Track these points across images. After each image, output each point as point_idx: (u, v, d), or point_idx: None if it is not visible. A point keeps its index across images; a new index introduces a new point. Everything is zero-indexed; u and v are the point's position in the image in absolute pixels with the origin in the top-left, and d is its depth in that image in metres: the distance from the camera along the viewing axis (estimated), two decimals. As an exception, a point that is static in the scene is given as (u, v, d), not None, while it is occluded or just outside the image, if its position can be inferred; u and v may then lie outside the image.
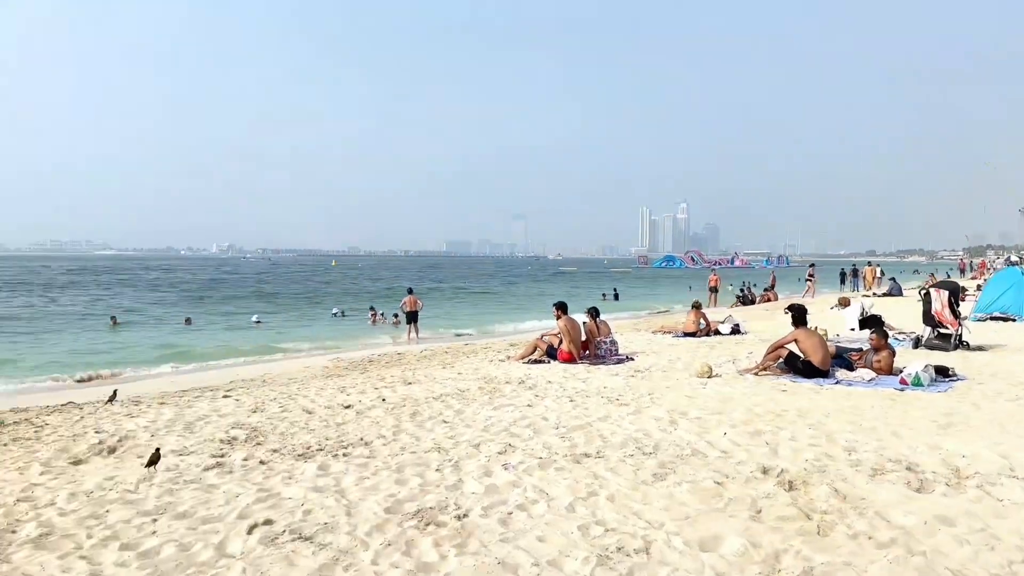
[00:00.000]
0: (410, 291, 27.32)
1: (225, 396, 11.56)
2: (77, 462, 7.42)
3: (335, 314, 34.79)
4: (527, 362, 14.08)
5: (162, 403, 11.27)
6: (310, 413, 9.58)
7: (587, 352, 14.09)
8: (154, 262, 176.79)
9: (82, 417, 10.15)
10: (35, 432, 9.06)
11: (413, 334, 25.94)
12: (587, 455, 7.05)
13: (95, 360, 19.74)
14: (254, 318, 32.71)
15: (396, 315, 29.85)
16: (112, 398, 11.72)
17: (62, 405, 11.60)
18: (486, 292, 61.81)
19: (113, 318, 31.58)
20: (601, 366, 13.44)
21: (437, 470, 6.68)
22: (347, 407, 9.91)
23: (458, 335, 27.46)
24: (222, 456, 7.40)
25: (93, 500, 6.03)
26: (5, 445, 8.28)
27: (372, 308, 33.32)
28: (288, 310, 39.68)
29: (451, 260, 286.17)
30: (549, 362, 13.93)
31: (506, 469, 6.61)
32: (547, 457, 7.00)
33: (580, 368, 13.22)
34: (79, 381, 16.86)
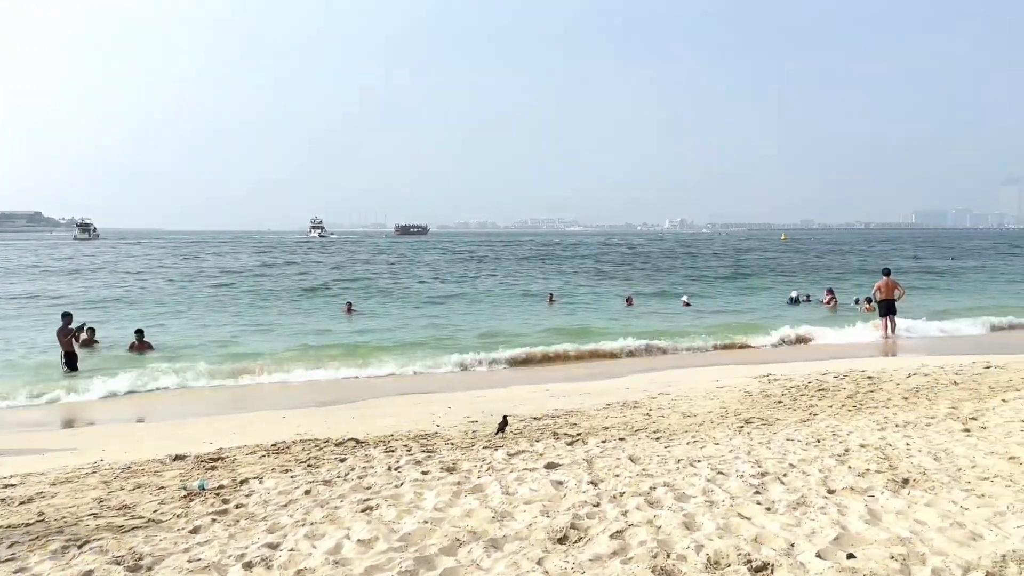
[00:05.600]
0: (886, 272, 19.91)
1: (569, 444, 6.52)
2: None
3: (793, 299, 27.75)
4: None
5: (538, 445, 6.74)
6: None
7: None
8: (618, 238, 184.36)
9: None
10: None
11: (889, 331, 18.57)
12: None
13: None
14: (684, 298, 28.00)
15: (869, 300, 22.37)
16: (502, 427, 8.43)
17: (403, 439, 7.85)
18: (980, 271, 47.72)
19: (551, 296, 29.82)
20: None
21: None
22: (754, 566, 4.05)
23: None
24: None
25: None
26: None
27: (829, 291, 26.34)
28: (722, 291, 34.11)
29: (924, 233, 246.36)
30: None
31: None
32: None
33: None
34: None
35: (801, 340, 18.47)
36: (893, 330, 19.27)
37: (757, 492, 5.45)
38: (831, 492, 5.44)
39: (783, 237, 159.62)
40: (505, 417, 8.74)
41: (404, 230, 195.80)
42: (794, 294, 28.48)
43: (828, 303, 25.40)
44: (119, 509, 5.76)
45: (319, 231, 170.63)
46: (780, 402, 9.88)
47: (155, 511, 5.69)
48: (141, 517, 5.53)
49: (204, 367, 14.27)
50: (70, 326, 14.98)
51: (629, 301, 28.12)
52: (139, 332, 17.02)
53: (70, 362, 14.63)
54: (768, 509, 5.09)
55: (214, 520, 5.32)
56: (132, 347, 16.64)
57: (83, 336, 15.73)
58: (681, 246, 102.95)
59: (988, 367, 11.82)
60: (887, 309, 19.57)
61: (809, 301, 27.33)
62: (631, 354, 16.60)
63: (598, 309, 26.81)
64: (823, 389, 10.59)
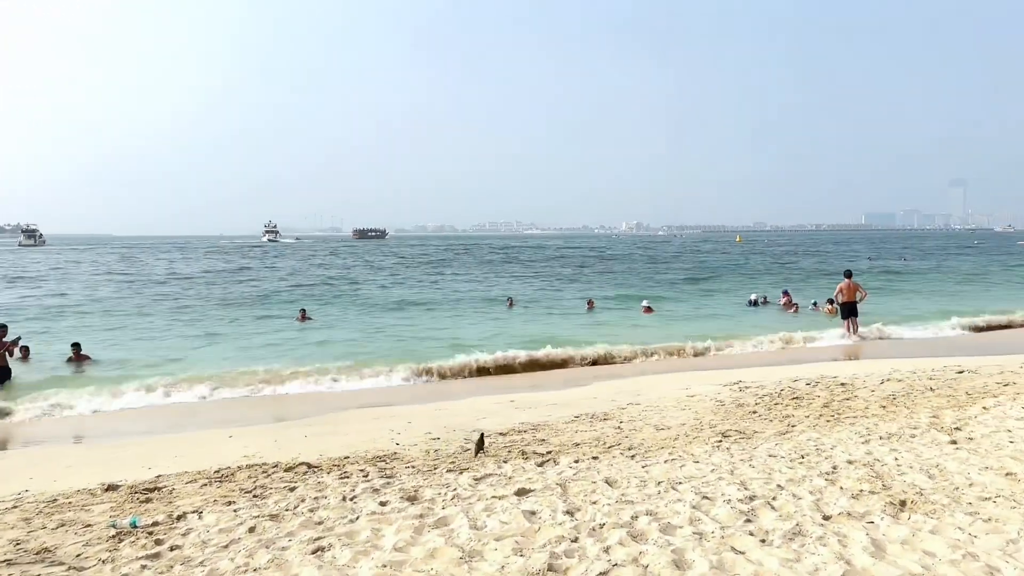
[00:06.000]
0: (848, 274, 19.84)
1: (534, 475, 6.01)
2: None
3: (753, 302, 27.62)
4: None
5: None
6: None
7: None
8: (576, 240, 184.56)
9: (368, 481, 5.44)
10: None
11: (851, 333, 18.54)
12: None
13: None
14: (644, 303, 27.48)
15: (830, 301, 22.36)
16: (480, 446, 7.82)
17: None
18: (935, 271, 48.52)
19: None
20: None
21: None
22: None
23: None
24: None
25: None
26: None
27: (785, 292, 26.27)
28: (681, 294, 33.96)
29: (875, 235, 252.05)
30: None
31: None
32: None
33: None
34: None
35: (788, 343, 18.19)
36: (855, 332, 19.23)
37: (748, 520, 5.02)
38: (827, 518, 5.03)
39: (738, 239, 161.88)
40: (482, 435, 8.21)
41: (362, 234, 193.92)
42: (753, 296, 28.37)
43: (785, 305, 25.36)
44: (37, 554, 5.10)
45: (273, 235, 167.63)
46: (755, 412, 9.51)
47: (78, 555, 5.04)
48: (62, 564, 4.88)
49: (148, 381, 13.46)
50: (4, 338, 14.03)
51: (590, 304, 27.74)
52: (76, 345, 16.06)
53: (1, 376, 13.69)
54: (763, 541, 4.65)
55: (144, 567, 4.70)
56: (69, 360, 15.69)
57: (17, 353, 14.76)
58: (640, 249, 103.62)
59: (961, 371, 11.66)
60: (849, 311, 19.54)
61: (767, 303, 27.30)
62: (595, 362, 16.18)
63: (559, 313, 26.37)
64: (797, 397, 10.27)
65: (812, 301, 25.75)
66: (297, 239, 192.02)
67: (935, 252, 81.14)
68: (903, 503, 5.28)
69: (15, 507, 6.36)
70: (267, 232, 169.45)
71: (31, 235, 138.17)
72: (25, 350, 15.88)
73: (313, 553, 4.73)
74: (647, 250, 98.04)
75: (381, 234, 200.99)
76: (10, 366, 13.97)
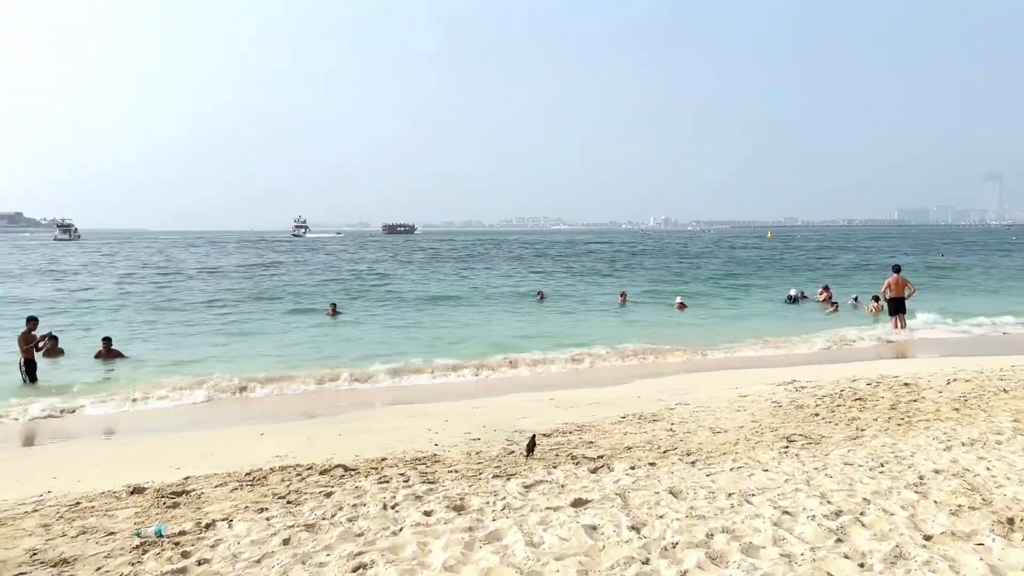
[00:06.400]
0: (897, 269, 19.06)
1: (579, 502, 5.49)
2: None
3: (792, 298, 26.76)
4: None
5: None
6: None
7: None
8: (605, 235, 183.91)
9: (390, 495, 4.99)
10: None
11: (901, 329, 17.79)
12: None
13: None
14: (678, 299, 26.74)
15: (876, 298, 21.55)
16: (531, 448, 7.36)
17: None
18: (978, 266, 46.99)
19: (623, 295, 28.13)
20: None
21: None
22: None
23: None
24: None
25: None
26: None
27: (825, 288, 25.47)
28: (717, 290, 33.14)
29: (910, 230, 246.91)
30: None
31: None
32: None
33: None
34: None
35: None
36: (904, 328, 18.44)
37: (839, 540, 4.46)
38: (928, 539, 4.45)
39: (769, 235, 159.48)
40: (534, 437, 7.70)
41: (391, 229, 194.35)
42: (793, 292, 27.49)
43: (824, 301, 24.48)
44: (54, 566, 4.70)
45: (302, 230, 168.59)
46: (817, 414, 8.89)
47: (98, 568, 4.63)
48: (80, 579, 4.47)
49: (179, 377, 13.17)
50: (34, 332, 13.83)
51: (623, 298, 27.20)
52: (107, 340, 15.81)
53: (30, 371, 13.47)
54: (861, 565, 4.10)
55: (169, 584, 4.27)
56: (99, 355, 15.46)
57: (44, 345, 14.50)
58: (670, 244, 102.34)
59: (1034, 372, 10.93)
60: (897, 307, 18.74)
61: (806, 299, 26.48)
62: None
63: (591, 309, 25.81)
64: (860, 398, 9.61)
65: (853, 296, 24.90)
66: (337, 233, 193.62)
67: (973, 248, 79.00)
68: (1011, 521, 4.69)
69: (35, 511, 5.99)
70: (297, 227, 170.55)
71: (66, 229, 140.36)
72: (54, 340, 15.67)
73: (354, 571, 4.27)
74: (678, 245, 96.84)
75: (410, 229, 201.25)
76: (37, 361, 13.76)
